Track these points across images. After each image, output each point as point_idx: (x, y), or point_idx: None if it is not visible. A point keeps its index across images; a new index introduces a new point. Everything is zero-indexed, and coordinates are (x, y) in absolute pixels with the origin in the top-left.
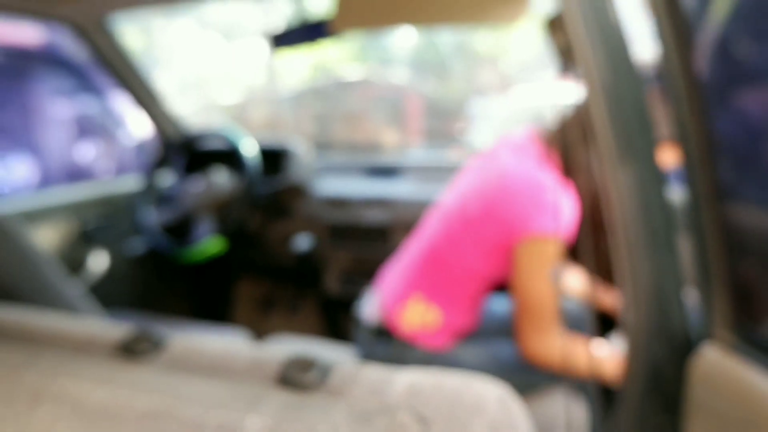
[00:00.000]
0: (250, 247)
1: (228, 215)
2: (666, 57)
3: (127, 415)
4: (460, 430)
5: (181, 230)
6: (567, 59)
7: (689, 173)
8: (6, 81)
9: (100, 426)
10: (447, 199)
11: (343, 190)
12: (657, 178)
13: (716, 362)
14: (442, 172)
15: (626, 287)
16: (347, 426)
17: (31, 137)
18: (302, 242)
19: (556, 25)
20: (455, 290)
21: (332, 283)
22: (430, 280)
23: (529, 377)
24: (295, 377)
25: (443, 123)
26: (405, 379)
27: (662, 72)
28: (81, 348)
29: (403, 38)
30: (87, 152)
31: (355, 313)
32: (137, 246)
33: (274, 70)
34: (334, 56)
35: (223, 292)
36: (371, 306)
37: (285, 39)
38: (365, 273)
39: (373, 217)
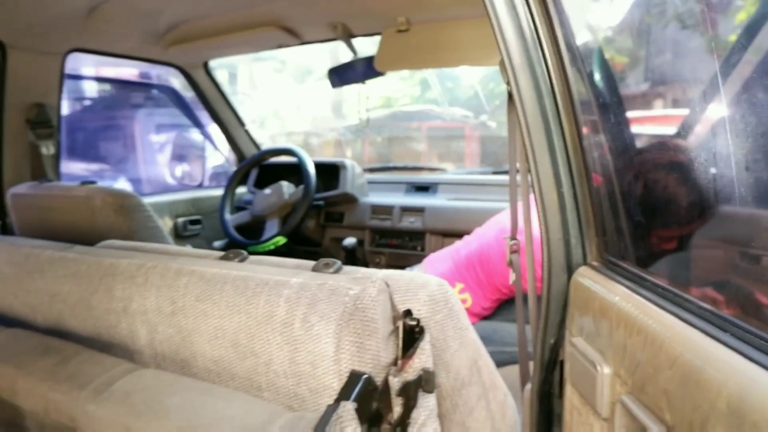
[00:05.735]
0: (308, 245)
1: (291, 219)
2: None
3: (227, 278)
4: (411, 295)
5: (253, 230)
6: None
7: (572, 158)
8: (129, 109)
9: (214, 285)
10: (504, 216)
11: (387, 200)
12: (562, 166)
13: (587, 275)
14: (469, 188)
15: (544, 238)
16: (345, 281)
17: (141, 153)
18: (350, 242)
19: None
20: (490, 289)
21: None
22: (471, 276)
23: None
24: (321, 267)
25: (496, 153)
26: (385, 271)
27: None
28: (200, 256)
29: (464, 79)
30: (182, 167)
31: None
32: (219, 242)
33: (339, 105)
34: (396, 92)
35: None
36: None
37: (341, 74)
38: (401, 268)
39: (410, 223)
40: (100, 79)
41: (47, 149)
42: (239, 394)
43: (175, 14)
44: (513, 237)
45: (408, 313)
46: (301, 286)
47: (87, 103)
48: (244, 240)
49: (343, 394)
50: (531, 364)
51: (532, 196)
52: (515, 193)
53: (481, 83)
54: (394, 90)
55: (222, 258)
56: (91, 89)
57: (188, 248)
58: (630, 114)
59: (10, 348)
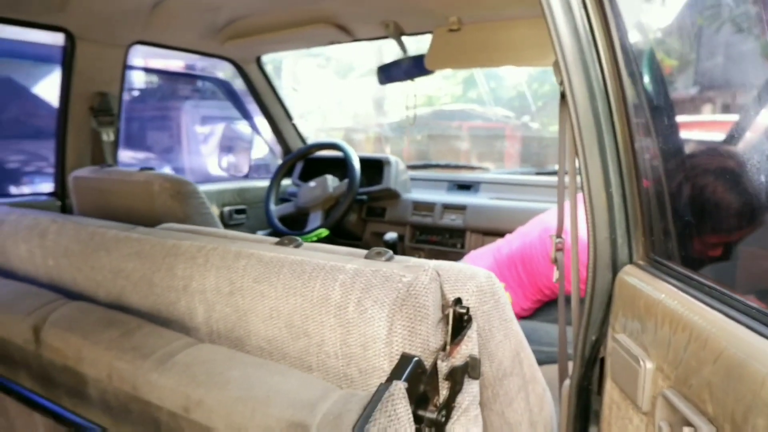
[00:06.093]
0: (349, 238)
1: (334, 212)
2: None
3: (284, 261)
4: (460, 285)
5: (296, 221)
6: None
7: (623, 159)
8: (179, 100)
9: (272, 267)
10: (548, 216)
11: (429, 197)
12: (612, 166)
13: (633, 274)
14: (511, 188)
15: (591, 236)
16: (398, 269)
17: (191, 142)
18: (392, 237)
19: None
20: (531, 290)
21: None
22: (513, 276)
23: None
24: (374, 255)
25: (537, 154)
26: (435, 261)
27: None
28: (256, 240)
29: (504, 79)
30: (230, 158)
31: None
32: (262, 232)
33: (381, 101)
34: (438, 91)
35: None
36: None
37: (390, 72)
38: None
39: (452, 220)
40: (154, 71)
41: (107, 136)
42: (294, 371)
43: (233, 10)
44: (558, 235)
45: (458, 301)
46: (355, 271)
47: (140, 93)
48: (288, 231)
49: (395, 374)
50: (569, 363)
51: (579, 196)
52: (563, 191)
53: (526, 83)
54: (437, 88)
55: (278, 243)
56: (145, 80)
57: (245, 233)
58: (681, 117)
59: (76, 319)
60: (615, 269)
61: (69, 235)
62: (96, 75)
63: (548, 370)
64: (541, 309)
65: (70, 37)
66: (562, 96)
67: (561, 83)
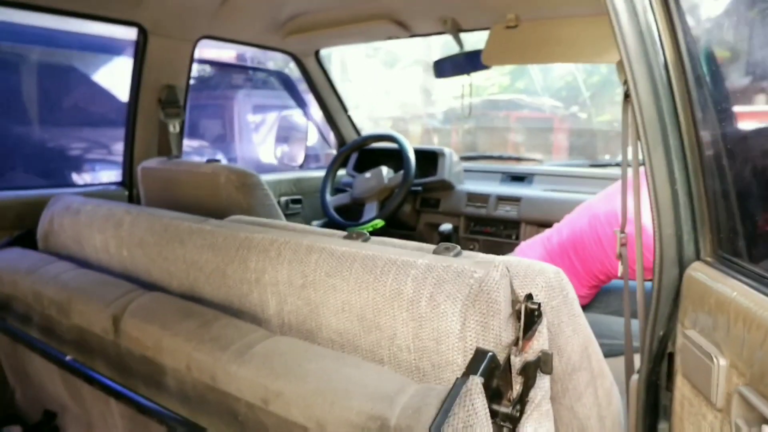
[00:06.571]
0: (403, 229)
1: (390, 203)
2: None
3: (356, 256)
4: (530, 280)
5: (351, 211)
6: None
7: (689, 156)
8: (236, 91)
9: (344, 262)
10: (597, 202)
11: (483, 189)
12: (677, 164)
13: (701, 271)
14: (566, 180)
15: (657, 233)
16: (469, 265)
17: (249, 134)
18: (447, 228)
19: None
20: (586, 276)
21: None
22: (565, 264)
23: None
24: (442, 251)
25: (585, 145)
26: (503, 257)
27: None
28: (325, 234)
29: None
30: (286, 148)
31: None
32: (317, 222)
33: (429, 91)
34: (486, 81)
35: None
36: None
37: (446, 66)
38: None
39: (506, 212)
40: (212, 63)
41: (174, 127)
42: (369, 364)
43: (297, 6)
44: (622, 230)
45: (529, 297)
46: (427, 267)
47: (201, 84)
48: (343, 221)
49: (470, 369)
50: (636, 357)
51: (642, 189)
52: (626, 187)
53: (575, 74)
54: (485, 78)
55: (346, 237)
56: (204, 71)
57: (311, 227)
58: (747, 114)
59: (154, 310)
60: (681, 265)
61: (143, 226)
62: (165, 68)
63: (610, 363)
64: (599, 299)
65: (142, 32)
66: (626, 95)
67: (625, 83)
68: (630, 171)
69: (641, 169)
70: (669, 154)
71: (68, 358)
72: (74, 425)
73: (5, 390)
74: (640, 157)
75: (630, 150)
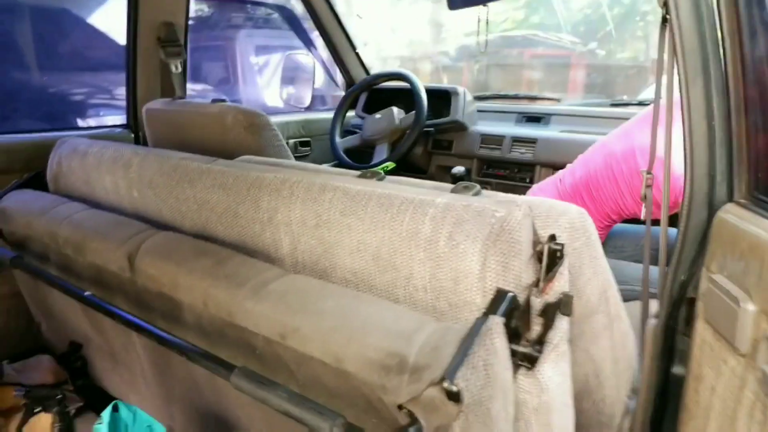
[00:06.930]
0: (415, 171)
1: (401, 145)
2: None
3: (372, 195)
4: (552, 221)
5: (361, 154)
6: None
7: (732, 90)
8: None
9: (359, 201)
10: (613, 139)
11: (497, 130)
12: (716, 98)
13: (734, 213)
14: (585, 120)
15: (688, 172)
16: (490, 204)
17: (252, 74)
18: (460, 171)
19: None
20: (598, 217)
21: None
22: (578, 202)
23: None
24: (461, 190)
25: (604, 84)
26: (525, 197)
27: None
28: (338, 173)
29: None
30: (292, 89)
31: None
32: (326, 164)
33: (440, 27)
34: (498, 15)
35: None
36: None
37: None
38: None
39: (521, 154)
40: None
41: (176, 67)
42: (387, 303)
43: None
44: (649, 170)
45: (553, 237)
46: (446, 206)
47: (202, 24)
48: (353, 163)
49: (491, 309)
50: (652, 302)
51: (674, 128)
52: (657, 123)
53: (593, 7)
54: (497, 13)
55: (360, 176)
56: (206, 10)
57: (324, 166)
58: None
59: (168, 248)
60: (712, 207)
61: (152, 167)
62: (161, 4)
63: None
64: (612, 245)
65: None
66: (664, 19)
67: (664, 4)
68: (662, 104)
69: (675, 103)
70: (709, 87)
71: (87, 293)
72: (99, 355)
73: (31, 323)
74: (675, 90)
75: (665, 81)
